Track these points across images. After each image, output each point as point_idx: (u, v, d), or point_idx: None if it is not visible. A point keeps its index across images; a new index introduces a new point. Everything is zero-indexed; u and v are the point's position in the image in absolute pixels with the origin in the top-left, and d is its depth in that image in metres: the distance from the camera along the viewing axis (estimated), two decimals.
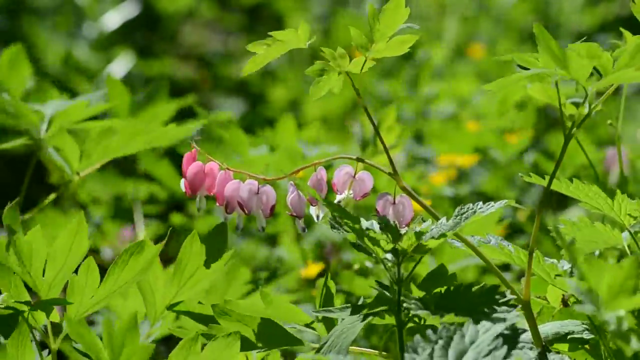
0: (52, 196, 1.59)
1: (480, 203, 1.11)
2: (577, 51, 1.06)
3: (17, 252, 1.14)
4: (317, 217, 1.15)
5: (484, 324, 1.01)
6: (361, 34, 1.12)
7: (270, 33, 1.12)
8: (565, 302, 1.22)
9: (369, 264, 1.63)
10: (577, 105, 1.29)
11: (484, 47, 3.01)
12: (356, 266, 1.64)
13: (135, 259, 1.16)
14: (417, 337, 0.99)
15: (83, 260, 1.16)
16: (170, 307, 1.21)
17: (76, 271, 1.16)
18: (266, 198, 1.14)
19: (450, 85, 2.72)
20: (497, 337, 0.99)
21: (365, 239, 1.09)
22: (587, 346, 1.18)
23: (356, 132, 1.78)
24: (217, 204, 1.15)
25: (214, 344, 1.10)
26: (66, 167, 1.53)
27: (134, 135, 1.50)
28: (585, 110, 1.12)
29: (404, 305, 1.07)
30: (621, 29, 1.08)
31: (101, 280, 1.16)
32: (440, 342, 0.99)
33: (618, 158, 1.46)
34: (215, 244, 1.19)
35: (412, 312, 1.06)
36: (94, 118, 1.60)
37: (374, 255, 1.11)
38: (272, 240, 2.22)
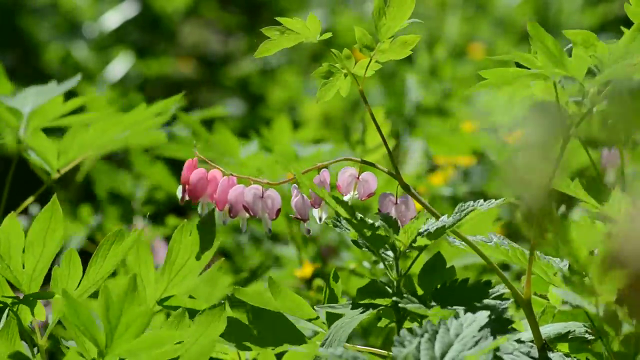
0: (31, 198, 1.58)
1: (481, 200, 1.12)
2: (572, 38, 1.06)
3: None
4: (320, 218, 1.16)
5: (468, 317, 1.01)
6: (366, 33, 1.11)
7: (279, 19, 1.11)
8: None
9: (366, 264, 1.63)
10: (581, 103, 1.28)
11: (485, 48, 3.01)
12: (352, 266, 1.64)
13: (116, 247, 1.15)
14: (404, 331, 0.99)
15: (63, 251, 1.15)
16: (160, 302, 1.21)
17: (59, 263, 1.16)
18: (271, 202, 1.15)
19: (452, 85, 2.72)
20: (482, 328, 1.00)
21: (365, 233, 1.09)
22: (590, 346, 1.18)
23: (346, 132, 1.78)
24: (217, 209, 1.16)
25: (201, 317, 1.10)
26: (46, 165, 1.52)
27: (107, 128, 1.50)
28: (585, 109, 1.12)
29: (399, 303, 1.07)
30: (622, 28, 1.08)
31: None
32: (427, 335, 0.99)
33: (620, 157, 1.46)
34: (203, 236, 1.19)
35: (408, 309, 1.06)
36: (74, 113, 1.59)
37: (373, 251, 1.12)
38: (271, 239, 2.21)
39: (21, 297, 1.16)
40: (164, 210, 2.23)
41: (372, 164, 1.15)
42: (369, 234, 1.10)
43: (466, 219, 1.10)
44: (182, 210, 2.24)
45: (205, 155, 1.85)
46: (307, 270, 1.74)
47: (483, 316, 1.01)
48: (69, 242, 2.06)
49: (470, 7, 3.40)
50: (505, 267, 1.78)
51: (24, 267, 1.15)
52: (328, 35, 1.13)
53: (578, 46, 1.06)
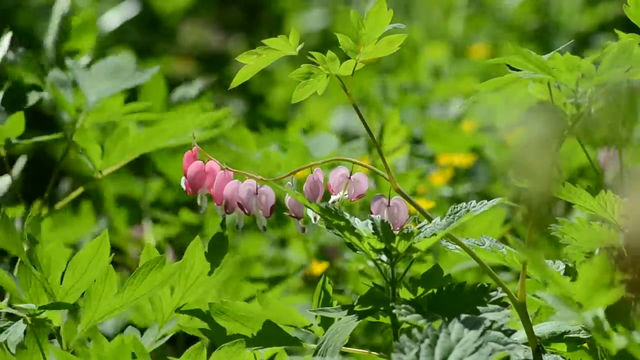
0: (74, 194, 1.59)
1: (474, 202, 1.11)
2: (556, 66, 1.06)
3: (35, 262, 1.16)
4: (315, 218, 1.15)
5: (468, 321, 1.01)
6: (348, 38, 1.12)
7: (263, 41, 1.12)
8: None
9: (371, 264, 1.63)
10: (577, 105, 1.28)
11: (485, 48, 3.01)
12: (361, 266, 1.63)
13: (154, 274, 1.17)
14: (404, 336, 0.98)
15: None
16: (177, 311, 1.22)
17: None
18: (265, 198, 1.15)
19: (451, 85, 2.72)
20: (483, 333, 0.99)
21: (354, 239, 1.09)
22: (585, 345, 1.17)
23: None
24: (215, 204, 1.16)
25: (219, 352, 1.12)
26: (90, 165, 1.54)
27: (152, 136, 1.51)
28: (582, 110, 1.12)
29: (394, 310, 1.06)
30: (615, 30, 1.07)
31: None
32: (427, 340, 0.98)
33: (618, 158, 1.45)
34: (217, 249, 1.21)
35: (400, 318, 1.06)
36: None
37: (366, 254, 1.11)
38: (277, 237, 2.21)
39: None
40: (178, 205, 2.22)
41: (365, 165, 1.14)
42: (358, 241, 1.09)
43: (464, 222, 1.09)
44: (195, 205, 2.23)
45: (215, 153, 1.85)
46: (316, 269, 1.74)
47: (485, 323, 1.00)
48: (80, 244, 2.06)
49: (473, 8, 3.40)
50: (505, 268, 1.77)
51: (61, 284, 1.17)
52: (302, 45, 1.13)
53: (563, 72, 1.06)
